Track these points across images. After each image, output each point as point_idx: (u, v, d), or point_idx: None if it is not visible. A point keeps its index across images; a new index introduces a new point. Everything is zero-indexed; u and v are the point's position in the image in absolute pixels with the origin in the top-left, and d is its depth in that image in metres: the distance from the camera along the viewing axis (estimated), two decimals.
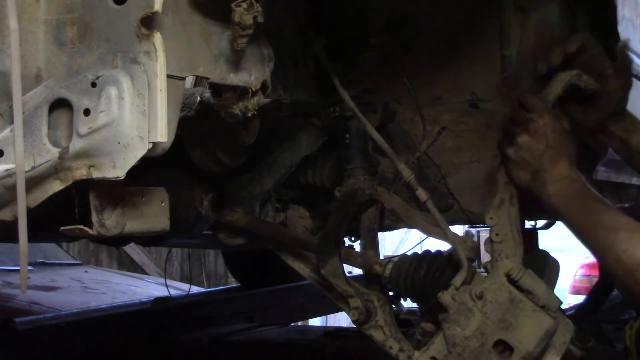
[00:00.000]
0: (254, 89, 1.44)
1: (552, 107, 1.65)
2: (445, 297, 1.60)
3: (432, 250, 1.80)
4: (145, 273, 8.11)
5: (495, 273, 1.59)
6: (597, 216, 1.52)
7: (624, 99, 1.70)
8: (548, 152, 1.58)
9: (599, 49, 1.71)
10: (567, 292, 7.49)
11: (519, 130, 1.60)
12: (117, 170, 1.16)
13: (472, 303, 1.57)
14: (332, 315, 6.32)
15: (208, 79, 1.33)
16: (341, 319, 6.98)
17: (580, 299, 5.46)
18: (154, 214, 1.40)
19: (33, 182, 1.19)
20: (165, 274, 5.22)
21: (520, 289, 1.57)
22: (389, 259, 1.85)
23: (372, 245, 1.94)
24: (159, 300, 3.88)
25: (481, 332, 1.55)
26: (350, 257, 1.86)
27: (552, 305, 1.56)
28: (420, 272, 1.74)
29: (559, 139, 1.59)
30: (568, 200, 1.56)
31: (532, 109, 1.61)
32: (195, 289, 4.66)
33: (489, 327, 1.55)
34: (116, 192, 1.29)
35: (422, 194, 1.78)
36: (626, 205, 2.59)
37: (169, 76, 1.18)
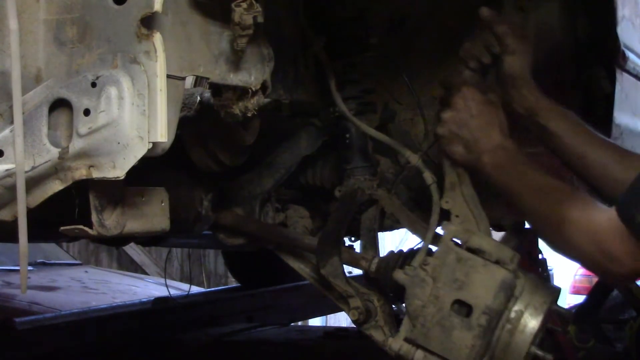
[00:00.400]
0: (254, 89, 1.44)
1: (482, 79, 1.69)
2: (398, 274, 1.61)
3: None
4: (145, 273, 8.11)
5: (442, 239, 1.59)
6: (528, 181, 1.54)
7: (519, 62, 1.69)
8: (474, 121, 1.60)
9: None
10: (567, 292, 7.49)
11: (443, 108, 1.64)
12: (117, 170, 1.16)
13: (424, 273, 1.56)
14: (332, 315, 6.32)
15: (208, 79, 1.33)
16: (341, 319, 6.97)
17: (580, 299, 5.45)
18: (154, 214, 1.40)
19: (33, 182, 1.19)
20: (165, 274, 5.21)
21: (470, 250, 1.57)
22: (374, 255, 1.86)
23: (372, 245, 1.94)
24: (159, 300, 3.87)
25: (435, 297, 1.54)
26: None
27: (505, 258, 1.54)
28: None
29: (482, 108, 1.60)
30: (501, 167, 1.57)
31: (450, 86, 1.65)
32: (195, 289, 4.66)
33: (442, 290, 1.54)
34: (116, 192, 1.29)
35: (428, 177, 1.78)
36: None
37: (169, 76, 1.18)
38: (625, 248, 1.38)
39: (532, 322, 1.54)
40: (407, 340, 1.58)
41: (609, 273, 1.45)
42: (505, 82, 1.70)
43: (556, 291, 1.62)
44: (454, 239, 1.60)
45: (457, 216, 1.64)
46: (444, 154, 1.66)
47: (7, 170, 1.18)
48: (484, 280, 1.52)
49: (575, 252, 1.47)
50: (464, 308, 1.53)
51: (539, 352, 1.53)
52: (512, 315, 1.54)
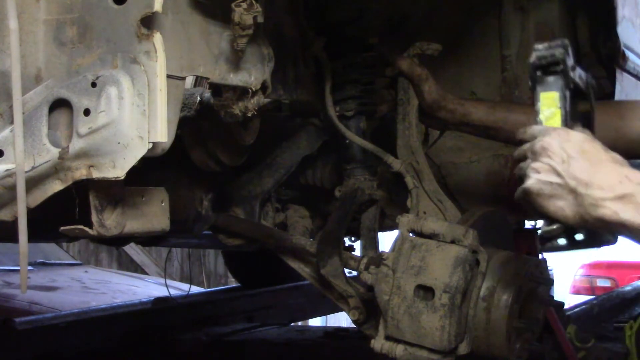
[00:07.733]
0: (254, 89, 1.44)
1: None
2: (364, 275, 1.61)
3: None
4: (145, 273, 8.10)
5: (399, 232, 1.60)
6: None
7: (434, 84, 1.78)
8: (577, 163, 1.19)
9: None
10: (567, 292, 7.48)
11: (522, 155, 1.26)
12: (117, 170, 1.16)
13: (385, 267, 1.56)
14: (332, 315, 6.32)
15: (208, 79, 1.33)
16: (341, 319, 6.97)
17: (580, 299, 5.46)
18: (154, 214, 1.40)
19: (33, 182, 1.19)
20: (165, 274, 5.21)
21: (424, 235, 1.57)
22: (364, 254, 1.85)
23: (372, 245, 1.94)
24: (159, 300, 3.88)
25: (397, 287, 1.53)
26: None
27: (458, 236, 1.54)
28: None
29: (581, 144, 1.21)
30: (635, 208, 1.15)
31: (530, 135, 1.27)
32: (195, 289, 4.66)
33: (402, 279, 1.53)
34: (116, 192, 1.29)
35: (410, 182, 1.80)
36: None
37: (169, 76, 1.18)
38: None
39: (504, 295, 1.53)
40: (387, 337, 1.57)
41: None
42: (432, 109, 1.77)
43: (534, 261, 1.60)
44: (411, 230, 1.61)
45: (424, 212, 1.65)
46: (536, 212, 1.25)
47: (7, 170, 1.18)
48: (439, 260, 1.52)
49: None
50: (428, 292, 1.52)
51: (522, 325, 1.52)
52: (485, 292, 1.54)
